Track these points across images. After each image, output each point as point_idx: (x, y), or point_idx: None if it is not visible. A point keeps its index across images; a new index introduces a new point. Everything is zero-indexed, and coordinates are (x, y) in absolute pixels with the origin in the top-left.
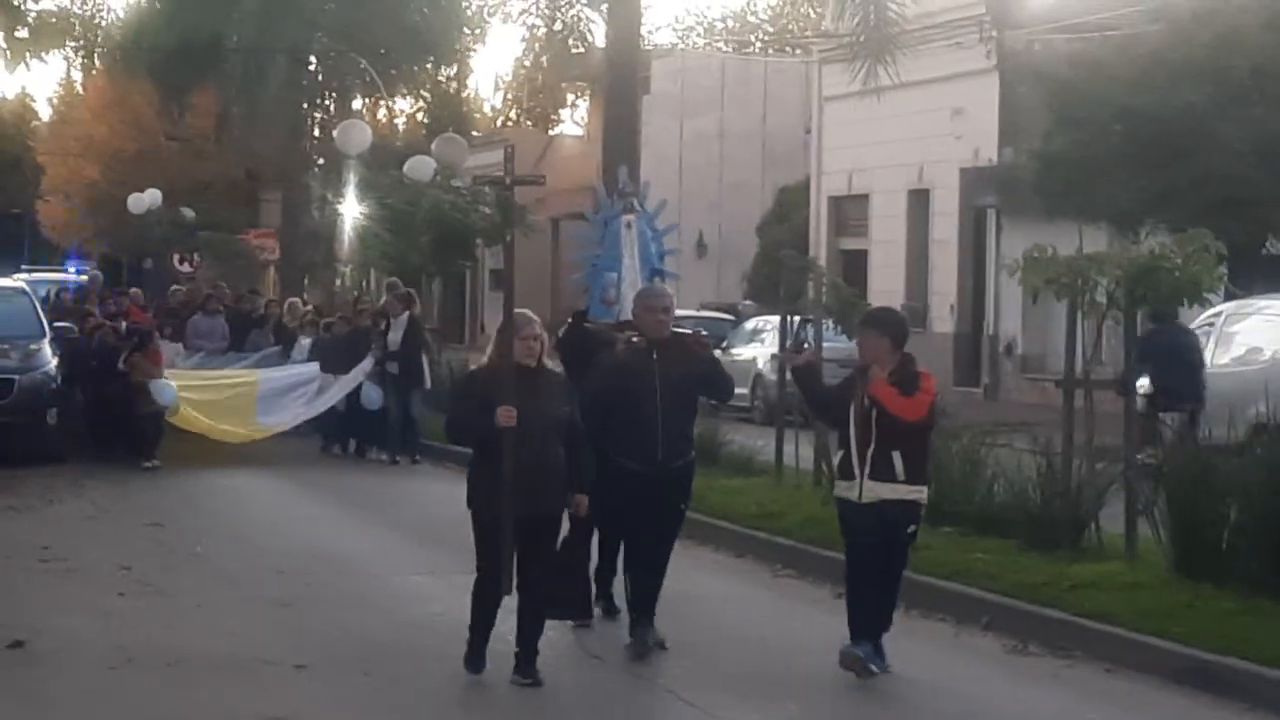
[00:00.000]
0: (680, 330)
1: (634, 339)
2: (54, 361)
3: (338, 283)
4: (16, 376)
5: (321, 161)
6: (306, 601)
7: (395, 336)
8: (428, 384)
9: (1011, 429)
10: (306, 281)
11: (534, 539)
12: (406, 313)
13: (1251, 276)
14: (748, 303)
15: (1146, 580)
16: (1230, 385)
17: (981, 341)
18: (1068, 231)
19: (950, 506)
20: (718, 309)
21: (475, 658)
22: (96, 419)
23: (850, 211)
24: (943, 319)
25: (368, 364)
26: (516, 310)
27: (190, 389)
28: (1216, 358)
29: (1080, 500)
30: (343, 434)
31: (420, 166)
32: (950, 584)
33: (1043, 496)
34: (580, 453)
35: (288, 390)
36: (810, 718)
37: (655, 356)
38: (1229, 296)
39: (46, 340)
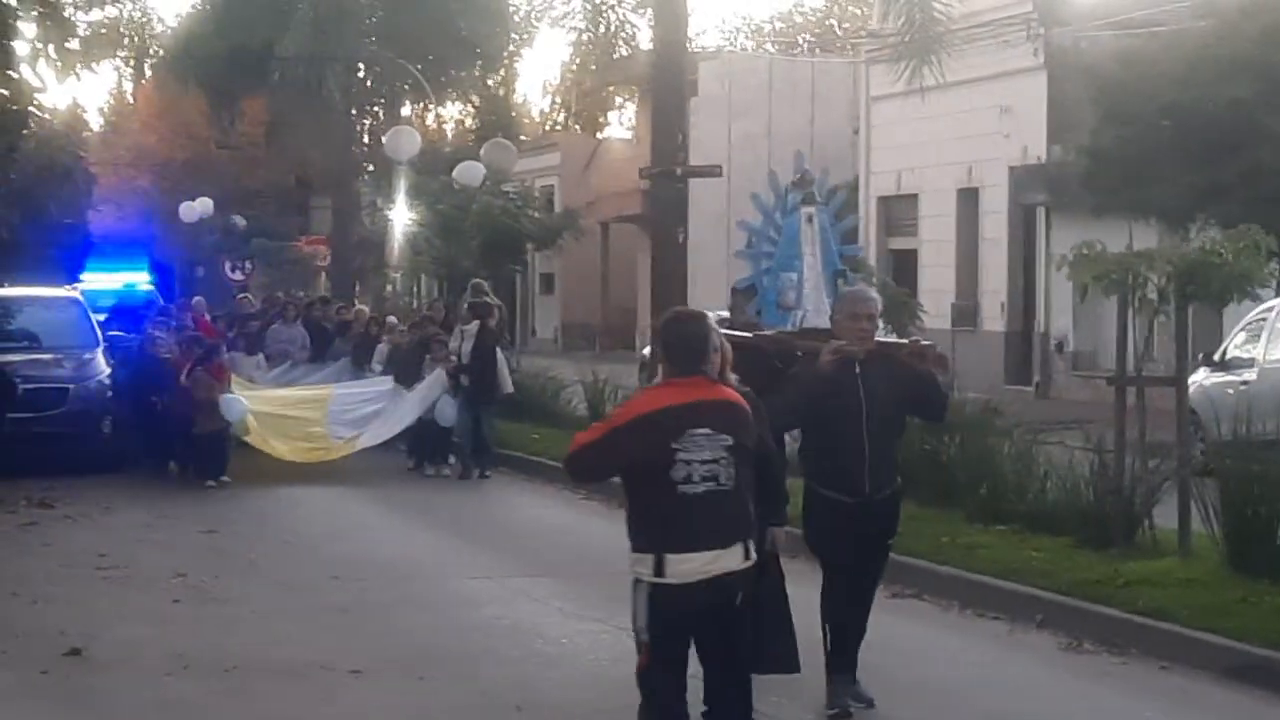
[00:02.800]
0: (892, 340)
1: (845, 346)
2: (107, 371)
3: (388, 288)
4: (70, 386)
5: (371, 168)
6: (362, 607)
7: (465, 347)
8: (506, 391)
9: (1064, 427)
10: (357, 288)
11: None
12: (477, 322)
13: None
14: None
15: (1200, 577)
16: None
17: (1033, 339)
18: (1117, 228)
19: (1004, 505)
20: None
21: None
22: (151, 434)
23: (899, 211)
24: (994, 317)
25: (441, 377)
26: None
27: (262, 407)
28: (1268, 353)
29: (1133, 497)
30: (420, 450)
31: (469, 171)
32: (1004, 582)
33: (1096, 494)
34: (778, 480)
35: (362, 404)
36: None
37: (859, 370)
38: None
39: (100, 349)
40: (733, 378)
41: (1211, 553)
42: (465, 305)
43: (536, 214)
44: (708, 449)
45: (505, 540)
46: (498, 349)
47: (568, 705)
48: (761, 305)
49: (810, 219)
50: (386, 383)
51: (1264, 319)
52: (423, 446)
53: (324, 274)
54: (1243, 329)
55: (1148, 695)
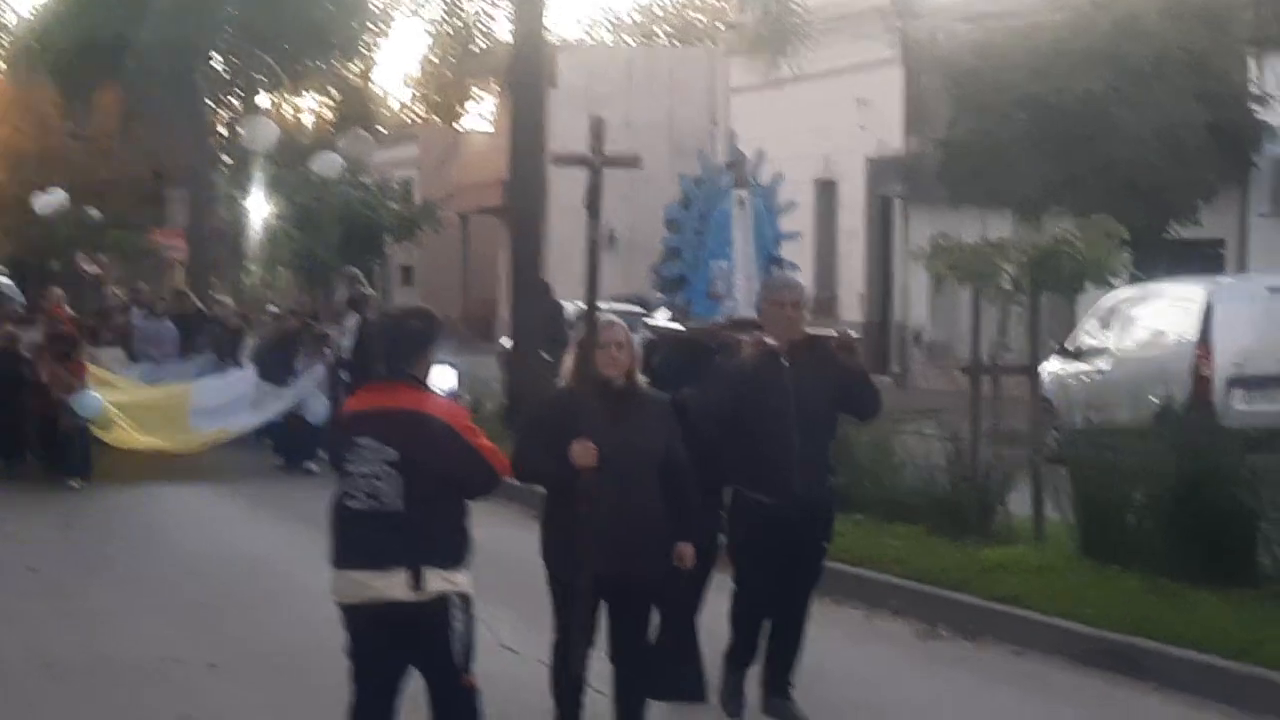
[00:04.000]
0: (820, 331)
1: (766, 340)
2: None
3: (246, 281)
4: None
5: (228, 159)
6: (219, 602)
7: (345, 342)
8: None
9: (921, 416)
10: (214, 280)
11: (624, 605)
12: (356, 316)
13: (1154, 261)
14: (659, 295)
15: (1054, 563)
16: (1133, 369)
17: (890, 330)
18: (973, 219)
19: (860, 493)
20: (627, 301)
21: None
22: (10, 431)
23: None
24: (851, 308)
25: (320, 372)
26: (600, 314)
27: (119, 400)
28: (1119, 341)
29: (988, 485)
30: (288, 447)
31: (327, 163)
32: (861, 570)
33: (951, 482)
34: (686, 494)
35: (224, 394)
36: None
37: (788, 363)
38: (1133, 280)
39: None
40: (642, 379)
41: (1064, 539)
42: (342, 298)
43: (395, 206)
44: (369, 462)
45: None
46: None
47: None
48: (691, 295)
49: (742, 203)
50: (250, 376)
51: (1115, 308)
52: (292, 444)
53: (180, 267)
54: (1095, 318)
55: (1002, 680)
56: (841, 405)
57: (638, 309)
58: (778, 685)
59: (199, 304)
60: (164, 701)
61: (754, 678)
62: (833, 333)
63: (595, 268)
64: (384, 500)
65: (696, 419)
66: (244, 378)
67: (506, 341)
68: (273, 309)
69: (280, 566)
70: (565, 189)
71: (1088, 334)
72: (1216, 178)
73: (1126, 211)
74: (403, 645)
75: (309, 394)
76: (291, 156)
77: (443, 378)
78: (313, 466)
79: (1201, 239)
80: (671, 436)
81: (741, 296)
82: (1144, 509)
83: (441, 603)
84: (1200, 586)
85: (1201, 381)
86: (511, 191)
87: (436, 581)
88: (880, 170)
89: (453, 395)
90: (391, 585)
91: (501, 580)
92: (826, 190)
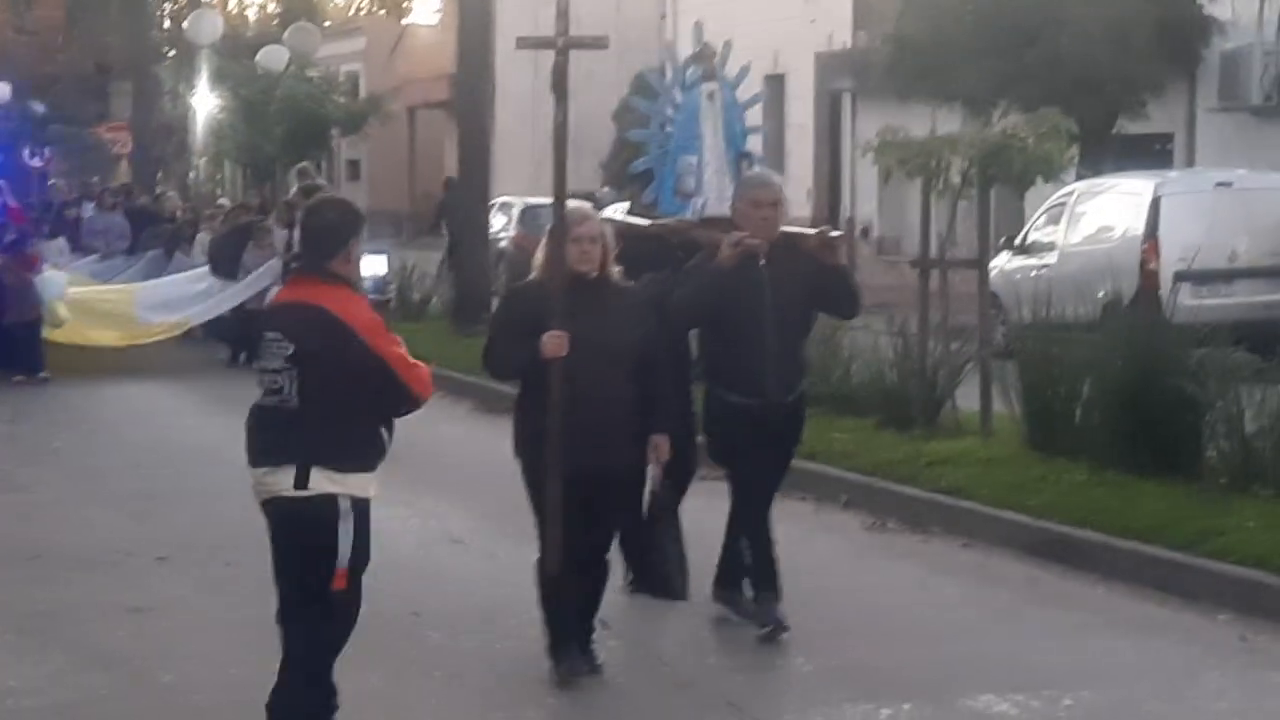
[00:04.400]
0: (797, 230)
1: (746, 239)
2: None
3: (191, 175)
4: None
5: (173, 53)
6: (168, 494)
7: (298, 234)
8: None
9: (868, 311)
10: (160, 175)
11: (600, 499)
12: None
13: (1102, 156)
14: (605, 189)
15: (1001, 456)
16: (1080, 263)
17: (839, 225)
18: (921, 114)
19: (808, 388)
20: (575, 196)
21: (559, 650)
22: None
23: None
24: (800, 204)
25: (276, 265)
26: (570, 204)
27: (69, 292)
28: (1067, 236)
29: (936, 379)
30: (239, 344)
31: (273, 56)
32: (810, 464)
33: (899, 376)
34: (659, 387)
35: (172, 290)
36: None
37: (764, 263)
38: (1080, 177)
39: None
40: (615, 270)
41: (1012, 433)
42: (294, 191)
43: (342, 100)
44: (273, 357)
45: None
46: None
47: (375, 588)
48: (658, 192)
49: (711, 96)
50: (201, 273)
51: (1064, 203)
52: (243, 338)
53: (125, 161)
54: (1043, 213)
55: (949, 572)
56: (819, 304)
57: (588, 205)
58: (734, 583)
59: (147, 199)
60: (114, 593)
61: (706, 573)
62: (810, 232)
63: (563, 153)
64: (283, 396)
65: (673, 317)
66: (195, 275)
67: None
68: (224, 203)
69: (229, 457)
70: (513, 83)
71: (1036, 229)
72: (1164, 72)
73: (1074, 107)
74: (295, 542)
75: (263, 288)
76: (236, 50)
77: (371, 264)
78: None
79: (1149, 134)
80: (646, 328)
81: (712, 193)
82: (1091, 402)
83: (329, 502)
84: (1146, 479)
85: (1149, 276)
86: (459, 86)
87: (322, 482)
88: (829, 65)
89: (381, 282)
90: (280, 481)
91: (451, 475)
92: (775, 85)
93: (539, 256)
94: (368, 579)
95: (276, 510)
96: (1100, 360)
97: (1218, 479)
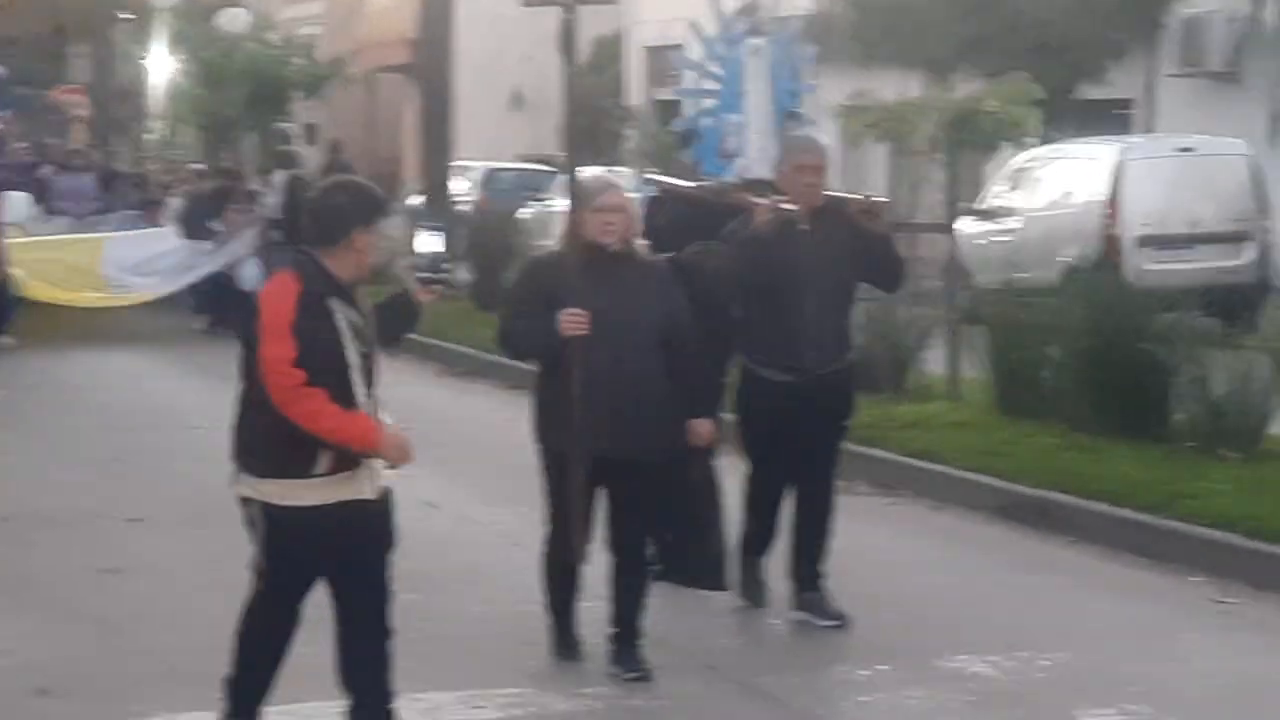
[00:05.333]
0: (841, 194)
1: (783, 204)
2: None
3: (150, 139)
4: None
5: (131, 15)
6: (138, 456)
7: (274, 201)
8: None
9: None
10: (117, 139)
11: (625, 487)
12: (284, 173)
13: (1063, 121)
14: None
15: (970, 419)
16: (1043, 229)
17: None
18: (883, 79)
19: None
20: (535, 161)
21: (561, 643)
22: None
23: (666, 61)
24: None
25: (250, 235)
26: (591, 174)
27: (32, 254)
28: (1030, 201)
29: (903, 343)
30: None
31: (233, 18)
32: None
33: (866, 340)
34: (693, 365)
35: (141, 250)
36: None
37: (805, 230)
38: (1042, 141)
39: None
40: (641, 244)
41: (980, 396)
42: (272, 154)
43: (302, 62)
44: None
45: None
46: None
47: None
48: (701, 153)
49: (757, 51)
50: (171, 236)
51: (1026, 168)
52: (219, 306)
53: (82, 124)
54: (1006, 178)
55: (921, 535)
56: (861, 274)
57: (547, 169)
58: (807, 577)
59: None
60: (87, 555)
61: (779, 570)
62: (854, 197)
63: (572, 116)
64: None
65: (713, 287)
66: (165, 235)
67: (412, 200)
68: (197, 167)
69: (199, 420)
70: (474, 47)
71: (998, 194)
72: (1126, 37)
73: (1036, 71)
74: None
75: (239, 257)
76: (196, 12)
77: (428, 242)
78: None
79: (1110, 99)
80: (673, 304)
81: (756, 155)
82: (1059, 365)
83: (251, 503)
84: (1115, 441)
85: (1110, 241)
86: (419, 49)
87: (243, 487)
88: (786, 26)
89: (437, 260)
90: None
91: (420, 438)
92: None
93: (560, 230)
94: None
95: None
96: (1067, 324)
97: (1186, 442)
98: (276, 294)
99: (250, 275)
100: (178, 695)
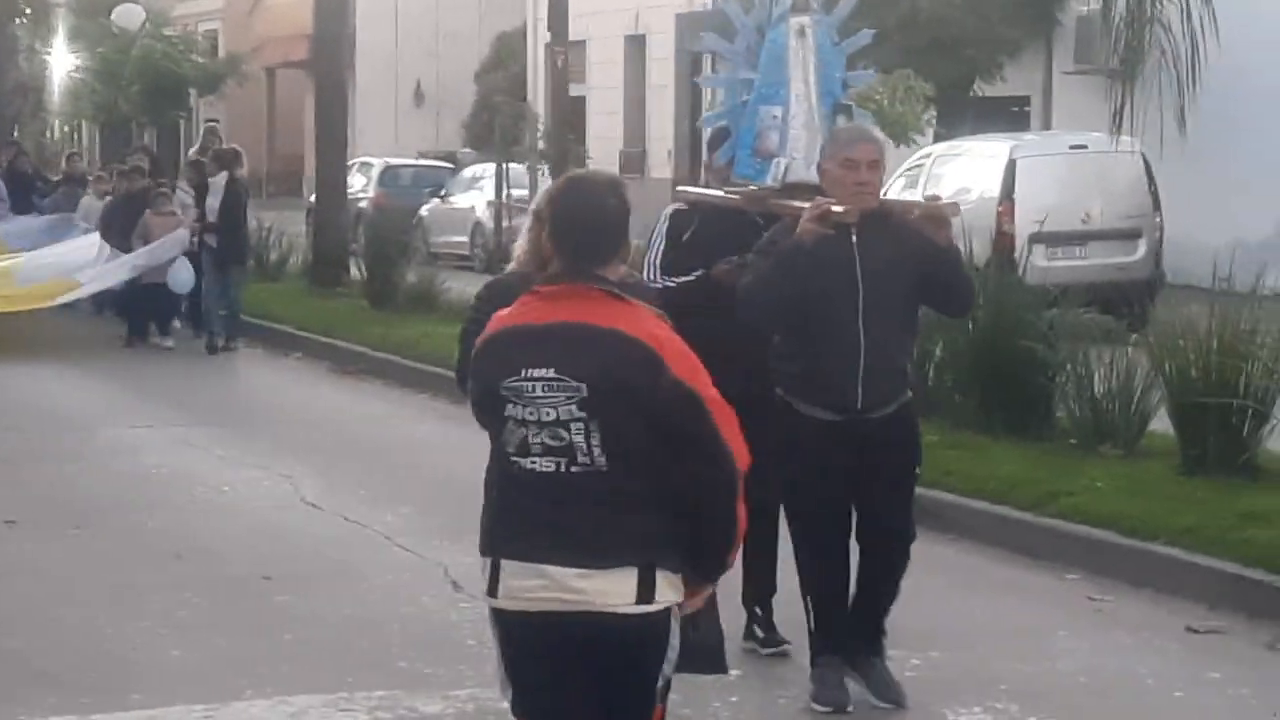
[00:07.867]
0: (900, 200)
1: (831, 209)
2: None
3: (46, 134)
4: None
5: (29, 10)
6: (18, 457)
7: (213, 203)
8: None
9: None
10: (16, 134)
11: None
12: (224, 174)
13: (959, 118)
14: (466, 150)
15: None
16: None
17: (699, 186)
18: None
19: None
20: (436, 157)
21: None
22: None
23: (569, 58)
24: (661, 165)
25: (183, 235)
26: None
27: None
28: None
29: None
30: (135, 319)
31: (129, 14)
32: None
33: None
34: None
35: (61, 257)
36: None
37: (856, 240)
38: (938, 139)
39: None
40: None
41: None
42: (195, 150)
43: (200, 59)
44: (547, 405)
45: (173, 387)
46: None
47: (228, 552)
48: (734, 152)
49: (803, 32)
50: (92, 239)
51: (921, 165)
52: (148, 314)
53: None
54: (900, 176)
55: None
56: (924, 295)
57: (447, 165)
58: (866, 637)
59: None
60: None
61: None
62: (916, 202)
63: (564, 103)
64: (579, 459)
65: (741, 311)
66: (86, 241)
67: (314, 198)
68: (121, 166)
69: (84, 422)
70: (373, 42)
71: (893, 193)
72: (1022, 35)
73: (931, 68)
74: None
75: (168, 260)
76: (93, 7)
77: None
78: (168, 342)
79: (1006, 96)
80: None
81: (801, 154)
82: (943, 364)
83: (666, 618)
84: (998, 440)
85: (1003, 238)
86: (317, 45)
87: (667, 590)
88: (689, 25)
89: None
90: (604, 589)
91: (305, 438)
92: (636, 44)
93: (520, 244)
94: (219, 543)
95: (565, 629)
96: (952, 321)
97: (1068, 439)
98: (657, 324)
99: (183, 279)
100: (44, 700)
